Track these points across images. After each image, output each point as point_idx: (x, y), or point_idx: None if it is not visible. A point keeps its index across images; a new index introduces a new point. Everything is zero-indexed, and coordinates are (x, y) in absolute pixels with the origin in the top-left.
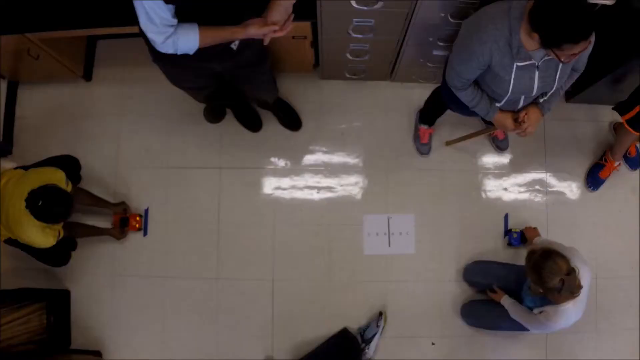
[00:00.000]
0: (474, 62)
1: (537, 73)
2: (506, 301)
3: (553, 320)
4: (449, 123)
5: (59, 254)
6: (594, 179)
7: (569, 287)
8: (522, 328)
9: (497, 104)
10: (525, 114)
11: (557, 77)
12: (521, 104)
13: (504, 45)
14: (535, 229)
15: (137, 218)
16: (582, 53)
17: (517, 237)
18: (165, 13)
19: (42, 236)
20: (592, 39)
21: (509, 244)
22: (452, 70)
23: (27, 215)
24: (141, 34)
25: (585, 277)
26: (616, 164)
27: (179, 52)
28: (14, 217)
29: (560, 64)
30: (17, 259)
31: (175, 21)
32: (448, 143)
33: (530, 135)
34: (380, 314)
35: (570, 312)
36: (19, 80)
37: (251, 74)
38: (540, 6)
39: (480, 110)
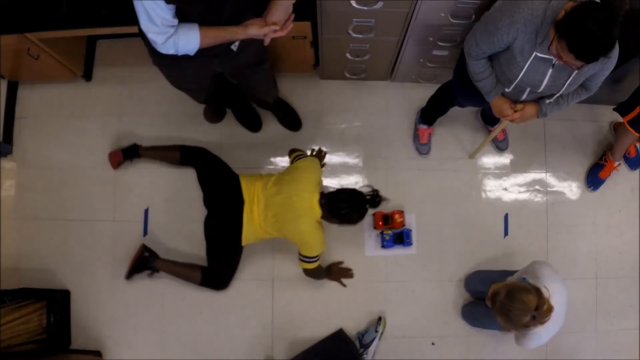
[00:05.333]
0: (497, 37)
1: (550, 71)
2: None
3: (524, 343)
4: (449, 124)
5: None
6: (594, 179)
7: (540, 319)
8: None
9: (506, 89)
10: (523, 107)
11: (567, 83)
12: (524, 96)
13: (532, 32)
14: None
15: (401, 212)
16: (596, 75)
17: (390, 238)
18: (166, 13)
19: (321, 237)
20: (605, 66)
21: (382, 247)
22: (473, 38)
23: (315, 215)
24: (141, 36)
25: (557, 294)
26: (616, 164)
27: (179, 53)
28: (296, 215)
29: (575, 72)
30: (17, 259)
31: (175, 22)
32: (472, 156)
33: (515, 123)
34: (380, 318)
35: (541, 333)
36: (19, 80)
37: (251, 74)
38: (572, 12)
39: (484, 86)
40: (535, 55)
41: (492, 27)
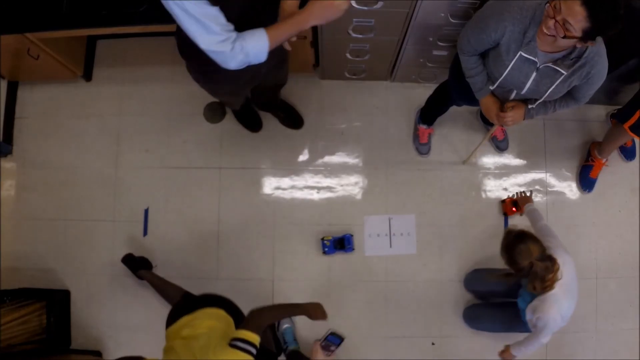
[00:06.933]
0: (486, 34)
1: (534, 74)
2: (515, 350)
3: (544, 310)
4: (449, 124)
5: None
6: (586, 181)
7: (540, 272)
8: (520, 330)
9: (491, 86)
10: (512, 106)
11: (550, 89)
12: (512, 96)
13: (519, 32)
14: (529, 196)
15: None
16: (581, 86)
17: (330, 244)
18: (221, 16)
19: None
20: (589, 80)
21: (324, 253)
22: (465, 35)
23: None
24: (197, 68)
25: (568, 267)
26: (604, 160)
27: (250, 58)
28: None
29: (558, 80)
30: (17, 259)
31: (232, 26)
32: (465, 162)
33: (507, 127)
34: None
35: (559, 296)
36: (19, 80)
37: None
38: None
39: (475, 82)
40: (520, 55)
41: (482, 24)
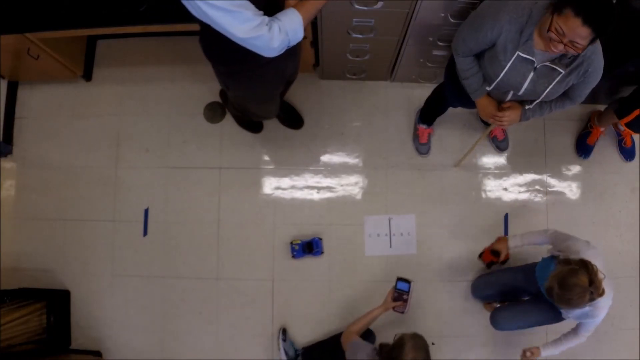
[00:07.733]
0: (482, 33)
1: (531, 74)
2: (547, 350)
3: (602, 310)
4: (448, 124)
5: None
6: (583, 147)
7: (597, 291)
8: (555, 320)
9: (487, 87)
10: (508, 107)
11: (548, 90)
12: (509, 97)
13: (516, 31)
14: (502, 240)
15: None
16: (577, 86)
17: (299, 248)
18: (249, 3)
19: None
20: (586, 79)
21: (293, 257)
22: (460, 35)
23: None
24: (223, 70)
25: (598, 261)
26: (602, 129)
27: (289, 36)
28: None
29: (555, 80)
30: (17, 259)
31: (261, 12)
32: (457, 164)
33: (503, 127)
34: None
35: (608, 292)
36: (19, 80)
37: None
38: None
39: (470, 84)
40: (518, 55)
41: (477, 23)
